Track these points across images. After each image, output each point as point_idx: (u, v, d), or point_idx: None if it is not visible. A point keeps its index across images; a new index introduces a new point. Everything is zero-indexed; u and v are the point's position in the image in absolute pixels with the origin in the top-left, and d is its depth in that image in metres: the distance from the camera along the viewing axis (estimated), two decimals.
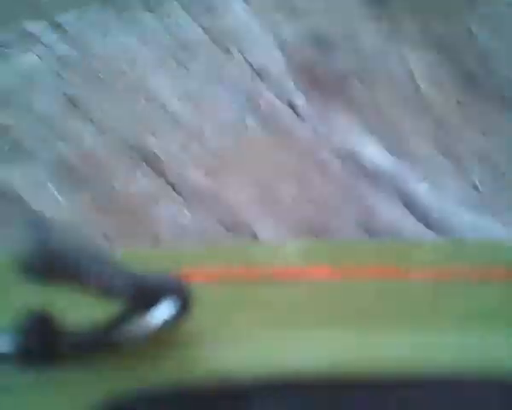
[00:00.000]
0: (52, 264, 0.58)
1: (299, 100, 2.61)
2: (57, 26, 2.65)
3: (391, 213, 2.51)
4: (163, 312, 0.75)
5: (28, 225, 0.59)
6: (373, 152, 2.55)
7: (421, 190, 2.53)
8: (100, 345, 0.73)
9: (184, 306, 0.76)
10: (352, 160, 2.56)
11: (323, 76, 2.61)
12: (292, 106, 2.61)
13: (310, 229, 2.48)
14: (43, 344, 0.69)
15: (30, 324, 0.69)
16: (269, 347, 0.80)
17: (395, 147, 2.57)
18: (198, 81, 2.61)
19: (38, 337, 0.69)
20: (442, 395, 0.78)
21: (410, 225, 2.52)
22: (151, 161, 2.53)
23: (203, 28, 2.61)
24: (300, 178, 2.54)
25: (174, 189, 2.52)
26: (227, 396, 0.77)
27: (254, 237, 2.47)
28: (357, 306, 0.92)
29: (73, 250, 0.63)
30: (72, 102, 2.57)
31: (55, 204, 2.45)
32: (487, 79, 2.58)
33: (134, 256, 1.18)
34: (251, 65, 2.58)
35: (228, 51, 2.60)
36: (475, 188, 2.54)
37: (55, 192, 2.47)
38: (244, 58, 2.60)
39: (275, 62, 2.62)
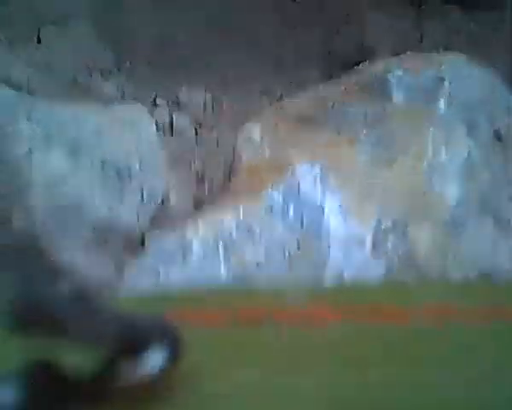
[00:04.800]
0: (34, 314, 0.57)
1: None
2: None
3: None
4: (153, 358, 0.73)
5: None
6: None
7: None
8: (86, 393, 0.71)
9: (176, 351, 0.75)
10: None
11: None
12: None
13: None
14: (51, 393, 0.67)
15: (35, 372, 0.68)
16: (268, 391, 0.78)
17: None
18: None
19: (45, 386, 0.67)
20: None
21: None
22: None
23: None
24: None
25: None
26: None
27: None
28: (360, 348, 0.91)
29: (58, 294, 0.62)
30: None
31: None
32: None
33: (127, 296, 1.18)
34: None
35: None
36: None
37: None
38: None
39: None
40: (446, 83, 1.55)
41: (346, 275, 1.29)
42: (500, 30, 4.67)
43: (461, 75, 1.58)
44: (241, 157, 1.56)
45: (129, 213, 1.46)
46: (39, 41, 3.50)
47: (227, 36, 4.34)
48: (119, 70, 3.70)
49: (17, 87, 2.76)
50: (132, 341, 0.72)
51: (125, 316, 0.71)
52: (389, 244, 1.32)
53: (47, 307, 0.59)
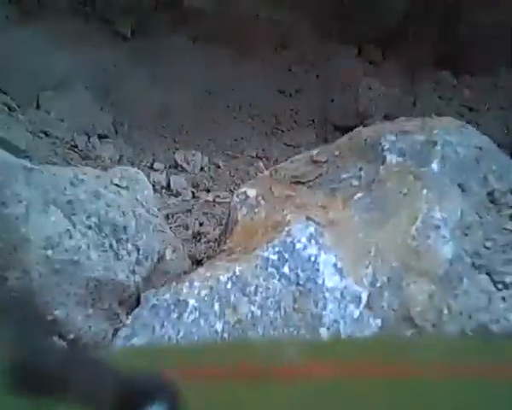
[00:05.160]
0: (34, 376, 0.57)
1: None
2: None
3: None
4: None
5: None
6: None
7: None
8: None
9: (174, 407, 0.74)
10: None
11: None
12: None
13: None
14: None
15: None
16: None
17: None
18: None
19: None
20: None
21: None
22: None
23: None
24: None
25: None
26: None
27: None
28: (363, 404, 0.90)
29: (57, 354, 0.61)
30: None
31: None
32: None
33: (124, 352, 1.17)
34: None
35: None
36: None
37: None
38: None
39: None
40: (438, 146, 1.57)
41: (342, 331, 1.29)
42: (492, 95, 4.76)
43: (453, 139, 1.60)
44: (237, 217, 1.57)
45: (125, 271, 1.46)
46: (38, 106, 3.56)
47: (225, 102, 4.42)
48: (117, 134, 3.75)
49: (16, 151, 2.80)
50: (131, 397, 0.72)
51: (123, 372, 0.71)
52: (385, 300, 1.33)
53: (45, 366, 0.58)
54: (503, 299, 1.35)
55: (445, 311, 1.32)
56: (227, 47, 5.01)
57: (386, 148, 1.60)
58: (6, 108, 3.23)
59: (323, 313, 1.30)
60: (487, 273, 1.38)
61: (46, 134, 3.25)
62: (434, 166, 1.54)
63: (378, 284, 1.34)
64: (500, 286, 1.36)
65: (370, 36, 5.34)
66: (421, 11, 5.21)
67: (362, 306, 1.32)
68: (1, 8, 4.04)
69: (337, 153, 1.70)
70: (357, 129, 1.79)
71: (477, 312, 1.33)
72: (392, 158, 1.57)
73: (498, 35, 4.86)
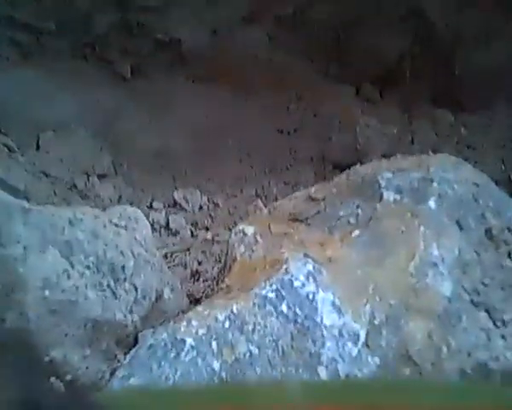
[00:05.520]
0: None
1: None
2: None
3: None
4: None
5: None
6: None
7: None
8: None
9: None
10: None
11: None
12: None
13: None
14: None
15: None
16: None
17: None
18: None
19: None
20: None
21: None
22: None
23: None
24: None
25: None
26: None
27: None
28: None
29: (54, 395, 0.61)
30: None
31: None
32: None
33: (122, 393, 1.16)
34: None
35: None
36: None
37: None
38: None
39: None
40: (435, 183, 1.58)
41: (340, 369, 1.28)
42: (489, 133, 4.79)
43: (449, 176, 1.61)
44: (235, 255, 1.57)
45: (122, 310, 1.46)
46: (38, 147, 3.58)
47: (224, 141, 4.45)
48: (116, 174, 3.77)
49: (15, 192, 2.81)
50: None
51: None
52: (383, 338, 1.32)
53: (43, 408, 0.58)
54: (503, 337, 1.34)
55: (444, 349, 1.31)
56: (226, 87, 5.06)
57: (382, 185, 1.60)
58: (6, 150, 3.24)
59: (322, 351, 1.30)
60: (486, 311, 1.38)
61: (46, 175, 3.26)
62: (431, 203, 1.54)
63: (376, 322, 1.34)
64: (499, 324, 1.36)
65: (368, 75, 5.39)
66: (418, 50, 5.28)
67: (360, 344, 1.31)
68: (1, 49, 4.09)
69: (334, 190, 1.70)
70: (354, 167, 1.80)
71: (476, 349, 1.32)
72: (389, 195, 1.58)
73: (494, 73, 4.91)
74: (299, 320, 1.33)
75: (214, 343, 1.30)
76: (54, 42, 4.45)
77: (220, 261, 2.30)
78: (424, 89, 5.30)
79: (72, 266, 1.43)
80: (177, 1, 5.00)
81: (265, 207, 2.88)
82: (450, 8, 5.04)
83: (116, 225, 1.62)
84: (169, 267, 1.87)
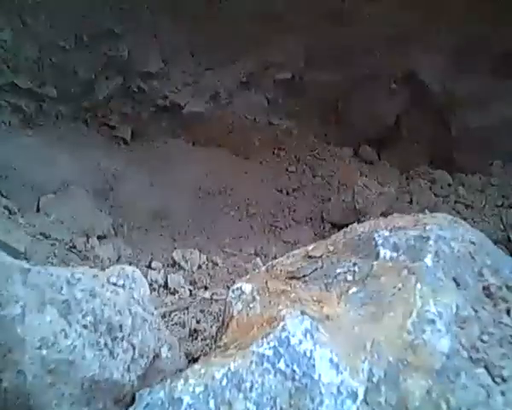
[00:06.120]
0: None
1: None
2: None
3: None
4: None
5: None
6: None
7: None
8: None
9: None
10: None
11: None
12: None
13: None
14: None
15: None
16: None
17: None
18: None
19: None
20: None
21: None
22: None
23: None
24: None
25: None
26: None
27: None
28: None
29: None
30: None
31: None
32: None
33: None
34: None
35: None
36: None
37: None
38: None
39: None
40: (431, 241, 1.59)
41: None
42: (487, 192, 4.83)
43: (446, 234, 1.62)
44: (232, 312, 1.57)
45: (120, 369, 1.45)
46: (39, 209, 3.61)
47: (224, 201, 4.48)
48: (116, 235, 3.79)
49: (15, 253, 2.82)
50: None
51: None
52: (382, 395, 1.31)
53: None
54: (502, 393, 1.33)
55: (444, 406, 1.30)
56: (226, 149, 5.12)
57: (379, 243, 1.62)
58: (6, 212, 3.27)
59: (320, 408, 1.28)
60: (485, 367, 1.37)
61: (45, 236, 3.28)
62: (428, 260, 1.55)
63: (375, 379, 1.33)
64: (498, 380, 1.35)
65: (366, 137, 5.46)
66: (416, 113, 5.36)
67: (359, 401, 1.30)
68: (3, 115, 4.15)
69: (332, 248, 1.71)
70: (351, 225, 1.82)
71: (476, 406, 1.31)
72: (385, 253, 1.59)
73: (490, 134, 4.97)
74: (297, 378, 1.32)
75: (212, 402, 1.29)
76: (55, 107, 4.53)
77: (218, 320, 2.29)
78: (422, 150, 5.37)
79: (70, 326, 1.43)
80: (176, 66, 5.11)
81: (264, 265, 2.89)
82: (446, 71, 5.15)
83: (114, 284, 1.62)
84: (167, 326, 1.87)
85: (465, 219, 4.27)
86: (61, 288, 1.48)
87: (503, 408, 1.31)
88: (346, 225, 1.87)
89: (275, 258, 3.63)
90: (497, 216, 4.48)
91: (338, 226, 4.19)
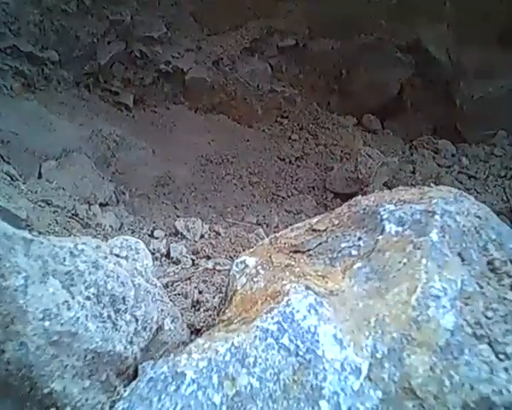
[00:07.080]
0: None
1: None
2: None
3: None
4: None
5: None
6: None
7: None
8: None
9: None
10: None
11: None
12: None
13: None
14: None
15: None
16: None
17: None
18: None
19: None
20: None
21: None
22: None
23: None
24: None
25: None
26: None
27: None
28: None
29: None
30: None
31: None
32: None
33: None
34: None
35: None
36: None
37: None
38: None
39: None
40: (437, 216, 1.57)
41: (342, 403, 1.27)
42: (490, 163, 4.80)
43: (452, 208, 1.60)
44: (236, 286, 1.57)
45: (123, 342, 1.45)
46: (40, 176, 3.59)
47: (226, 170, 4.46)
48: (118, 202, 3.77)
49: (16, 220, 2.81)
50: None
51: None
52: (385, 371, 1.31)
53: None
54: (506, 370, 1.33)
55: (447, 382, 1.30)
56: (228, 117, 5.09)
57: (384, 217, 1.60)
58: (8, 178, 3.25)
59: (323, 384, 1.28)
60: (489, 343, 1.37)
61: (47, 203, 3.26)
62: (434, 235, 1.53)
63: (378, 355, 1.33)
64: (502, 356, 1.34)
65: (369, 106, 5.43)
66: (420, 82, 5.31)
67: (362, 377, 1.30)
68: (5, 79, 4.12)
69: (336, 222, 1.70)
70: (356, 198, 1.80)
71: (479, 383, 1.30)
72: (390, 227, 1.58)
73: (494, 104, 4.94)
74: (301, 353, 1.32)
75: (215, 376, 1.29)
76: (57, 72, 4.49)
77: (221, 291, 2.29)
78: (425, 119, 5.34)
79: (73, 297, 1.43)
80: (179, 32, 5.06)
81: (267, 235, 2.88)
82: (450, 41, 5.10)
83: (117, 256, 1.62)
84: (170, 297, 1.87)
85: (468, 189, 4.26)
86: (64, 259, 1.47)
87: (505, 385, 1.31)
88: (349, 195, 1.86)
89: (277, 227, 3.63)
90: (500, 187, 4.46)
91: (340, 196, 4.18)
